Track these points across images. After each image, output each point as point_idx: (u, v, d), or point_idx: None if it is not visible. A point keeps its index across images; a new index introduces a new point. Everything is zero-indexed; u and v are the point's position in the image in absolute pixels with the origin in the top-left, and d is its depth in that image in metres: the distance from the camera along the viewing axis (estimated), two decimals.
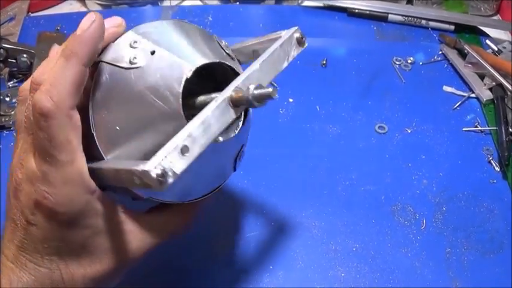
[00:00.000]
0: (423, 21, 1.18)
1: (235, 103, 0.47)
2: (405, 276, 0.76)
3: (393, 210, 0.84)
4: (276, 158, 0.90)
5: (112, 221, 0.52)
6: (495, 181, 0.89)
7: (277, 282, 0.75)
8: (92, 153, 0.51)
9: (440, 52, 1.13)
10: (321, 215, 0.83)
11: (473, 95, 1.04)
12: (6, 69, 1.03)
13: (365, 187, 0.87)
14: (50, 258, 0.50)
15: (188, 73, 0.50)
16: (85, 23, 0.49)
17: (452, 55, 1.10)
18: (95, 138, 0.51)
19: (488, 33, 1.18)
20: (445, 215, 0.84)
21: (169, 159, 0.42)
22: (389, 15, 1.19)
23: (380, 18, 1.20)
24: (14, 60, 1.01)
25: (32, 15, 1.19)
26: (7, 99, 0.97)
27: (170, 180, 0.41)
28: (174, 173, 0.42)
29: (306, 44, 0.57)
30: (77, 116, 0.48)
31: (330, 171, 0.89)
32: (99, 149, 0.51)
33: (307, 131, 0.96)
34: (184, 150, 0.42)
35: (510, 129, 0.93)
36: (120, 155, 0.52)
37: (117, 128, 0.51)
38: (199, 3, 1.26)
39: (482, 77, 1.05)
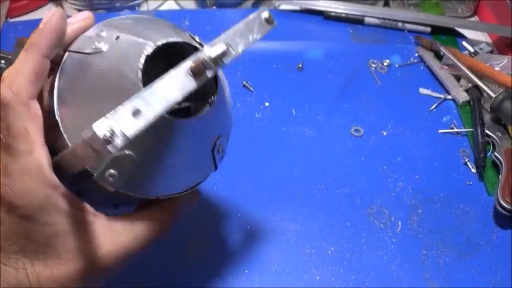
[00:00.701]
0: (399, 24, 1.18)
1: (195, 72, 0.47)
2: (381, 278, 0.76)
3: (368, 213, 0.84)
4: (252, 161, 0.90)
5: (79, 222, 0.50)
6: (471, 183, 0.89)
7: (252, 285, 0.75)
8: (58, 145, 0.50)
9: (416, 54, 1.13)
10: (296, 218, 0.83)
11: (449, 97, 1.04)
12: None
13: (340, 190, 0.87)
14: (16, 257, 0.49)
15: (149, 49, 0.50)
16: (46, 17, 0.50)
17: (429, 57, 1.10)
18: (60, 126, 0.49)
19: (465, 34, 1.19)
20: (420, 217, 0.84)
21: (117, 118, 0.41)
22: (366, 18, 1.19)
23: (356, 21, 1.20)
24: None
25: (11, 20, 1.18)
26: None
27: (119, 141, 0.40)
28: (123, 135, 0.40)
29: (275, 23, 0.55)
30: (36, 106, 0.48)
31: (305, 174, 0.89)
32: (64, 136, 0.50)
33: (283, 134, 0.96)
34: (136, 113, 0.41)
35: (486, 131, 0.94)
36: None
37: (82, 113, 0.50)
38: (177, 7, 1.26)
39: (458, 78, 1.05)
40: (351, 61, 1.11)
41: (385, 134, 0.96)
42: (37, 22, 0.50)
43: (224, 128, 0.60)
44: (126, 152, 0.49)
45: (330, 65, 1.10)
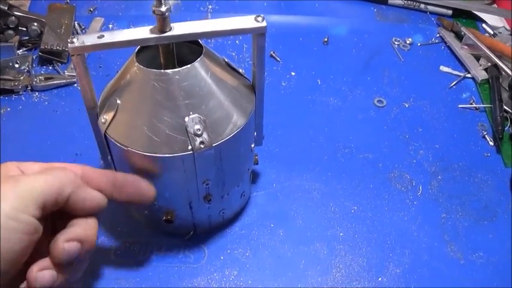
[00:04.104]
0: (422, 6, 1.22)
1: (160, 30, 0.61)
2: (401, 238, 0.78)
3: (390, 177, 0.86)
4: (278, 125, 0.93)
5: None
6: (489, 154, 0.92)
7: (277, 239, 0.77)
8: None
9: (437, 35, 1.16)
10: (320, 179, 0.86)
11: (469, 75, 1.07)
12: (17, 37, 1.05)
13: (363, 155, 0.90)
14: None
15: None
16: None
17: (450, 37, 1.13)
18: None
19: (484, 19, 1.21)
20: (440, 183, 0.86)
21: (87, 37, 0.60)
22: None
23: (380, 0, 1.24)
24: (25, 29, 1.03)
25: None
26: (16, 65, 1.00)
27: (76, 42, 0.59)
28: (83, 42, 0.59)
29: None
30: None
31: (329, 139, 0.92)
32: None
33: (308, 102, 0.99)
34: (100, 37, 0.59)
35: (504, 107, 0.96)
36: None
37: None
38: None
39: (478, 58, 1.08)
40: (375, 38, 1.15)
41: (407, 106, 0.99)
42: None
43: (207, 109, 0.64)
44: (116, 99, 0.63)
45: (355, 40, 1.14)
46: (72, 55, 0.59)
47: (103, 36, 0.60)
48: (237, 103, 0.66)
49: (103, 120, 0.64)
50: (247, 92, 0.69)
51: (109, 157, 0.69)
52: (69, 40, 0.59)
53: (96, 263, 0.73)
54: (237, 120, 0.65)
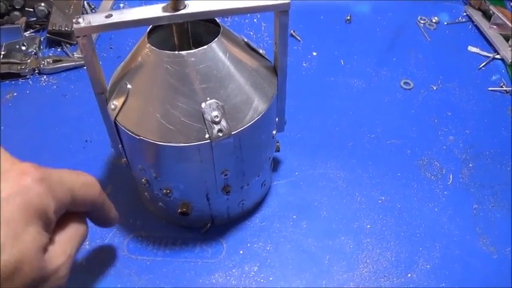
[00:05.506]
0: None
1: (173, 7, 0.56)
2: (431, 230, 0.74)
3: (419, 165, 0.82)
4: (300, 109, 0.89)
5: None
6: None
7: (300, 231, 0.74)
8: None
9: (464, 13, 1.12)
10: (345, 167, 0.82)
11: (498, 56, 1.02)
12: (23, 19, 1.02)
13: (391, 141, 0.85)
14: None
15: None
16: None
17: (477, 16, 1.09)
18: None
19: None
20: (471, 172, 0.82)
21: (94, 16, 0.55)
22: None
23: None
24: (32, 9, 1.00)
25: None
26: (23, 48, 0.97)
27: (82, 22, 0.54)
28: (89, 21, 0.55)
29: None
30: None
31: (354, 124, 0.88)
32: None
33: (331, 84, 0.95)
34: (108, 16, 0.55)
35: None
36: None
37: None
38: None
39: (507, 38, 1.04)
40: (399, 16, 1.11)
41: (434, 88, 0.95)
42: None
43: (225, 94, 0.60)
44: (126, 84, 0.60)
45: (378, 19, 1.10)
46: (78, 37, 0.55)
47: (111, 15, 0.55)
48: (257, 87, 0.62)
49: (112, 107, 0.60)
50: (268, 74, 0.65)
51: (119, 145, 0.65)
52: (74, 20, 0.55)
53: (107, 258, 0.70)
54: (258, 105, 0.61)
